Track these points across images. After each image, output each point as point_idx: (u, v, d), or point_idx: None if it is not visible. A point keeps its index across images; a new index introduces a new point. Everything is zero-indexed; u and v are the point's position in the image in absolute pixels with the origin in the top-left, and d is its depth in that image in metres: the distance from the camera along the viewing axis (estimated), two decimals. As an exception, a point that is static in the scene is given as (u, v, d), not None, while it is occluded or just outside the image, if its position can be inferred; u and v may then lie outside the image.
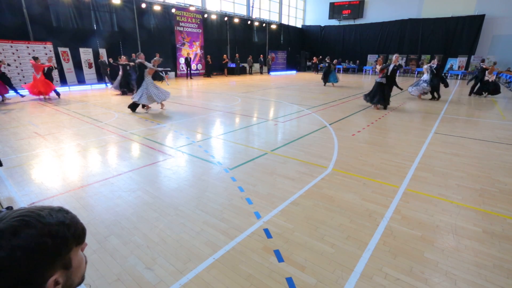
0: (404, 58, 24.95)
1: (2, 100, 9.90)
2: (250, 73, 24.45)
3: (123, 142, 5.48)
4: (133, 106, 8.24)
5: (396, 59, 8.90)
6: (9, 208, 2.79)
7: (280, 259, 2.33)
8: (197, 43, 20.63)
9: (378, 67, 8.93)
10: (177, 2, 19.39)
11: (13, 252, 0.56)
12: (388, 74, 8.74)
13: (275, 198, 3.34)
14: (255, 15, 25.80)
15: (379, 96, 8.88)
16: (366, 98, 9.30)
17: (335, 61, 17.31)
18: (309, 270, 2.22)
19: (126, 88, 11.87)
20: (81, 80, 14.57)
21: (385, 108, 9.07)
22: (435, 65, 10.78)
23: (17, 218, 0.60)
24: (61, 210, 0.68)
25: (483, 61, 12.96)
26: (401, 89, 11.15)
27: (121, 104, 9.61)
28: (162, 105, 8.65)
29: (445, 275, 2.18)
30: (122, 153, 4.86)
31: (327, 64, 15.72)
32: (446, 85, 12.00)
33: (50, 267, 0.62)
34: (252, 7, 25.11)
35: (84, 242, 0.71)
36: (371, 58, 26.90)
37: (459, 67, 22.14)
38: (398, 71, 9.59)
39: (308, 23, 31.57)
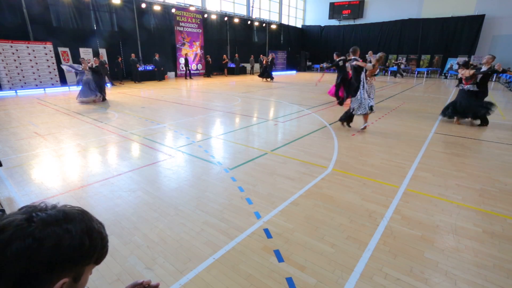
0: (404, 58, 24.95)
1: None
2: (252, 73, 24.44)
3: (123, 142, 5.48)
4: (348, 118, 6.56)
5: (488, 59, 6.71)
6: (2, 211, 2.78)
7: (280, 259, 2.33)
8: (197, 43, 20.63)
9: (466, 72, 6.89)
10: (177, 2, 19.40)
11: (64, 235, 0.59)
12: (478, 81, 6.89)
13: (275, 198, 3.34)
14: (255, 15, 25.80)
15: (473, 108, 6.90)
16: (447, 113, 7.34)
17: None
18: (309, 270, 2.22)
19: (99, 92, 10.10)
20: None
21: (485, 124, 6.98)
22: None
23: (77, 209, 0.66)
24: (101, 224, 0.71)
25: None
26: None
27: (121, 104, 9.62)
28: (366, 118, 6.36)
29: (445, 275, 2.18)
30: (122, 153, 4.86)
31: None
32: None
33: (71, 267, 0.61)
34: (252, 7, 25.11)
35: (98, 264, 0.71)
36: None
37: (459, 67, 22.15)
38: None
39: (308, 23, 31.56)
